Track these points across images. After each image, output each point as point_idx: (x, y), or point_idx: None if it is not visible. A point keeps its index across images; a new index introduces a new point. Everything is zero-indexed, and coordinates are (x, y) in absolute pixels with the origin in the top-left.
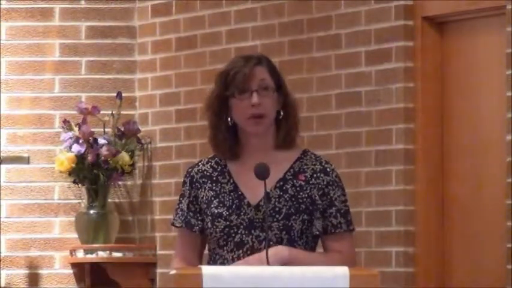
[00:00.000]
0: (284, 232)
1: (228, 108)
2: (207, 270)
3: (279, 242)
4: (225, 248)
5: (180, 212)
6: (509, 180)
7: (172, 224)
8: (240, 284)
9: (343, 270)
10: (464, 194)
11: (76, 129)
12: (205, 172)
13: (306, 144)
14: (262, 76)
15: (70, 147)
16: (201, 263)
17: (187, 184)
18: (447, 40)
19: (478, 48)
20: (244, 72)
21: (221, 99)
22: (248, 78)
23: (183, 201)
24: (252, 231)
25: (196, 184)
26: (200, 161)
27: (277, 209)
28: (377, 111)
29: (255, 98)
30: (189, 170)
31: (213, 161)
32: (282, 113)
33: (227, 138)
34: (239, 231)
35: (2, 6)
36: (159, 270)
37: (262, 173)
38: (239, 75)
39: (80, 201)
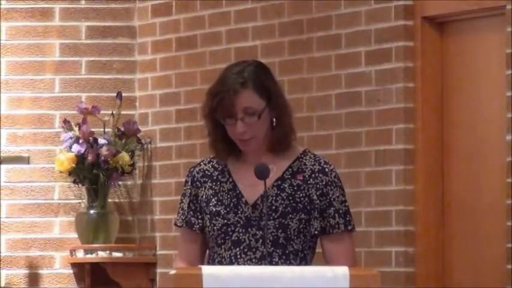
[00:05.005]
0: (280, 230)
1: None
2: (207, 270)
3: (276, 240)
4: (222, 247)
5: (181, 212)
6: (509, 180)
7: (175, 224)
8: (240, 284)
9: (343, 270)
10: (464, 194)
11: (76, 129)
12: (206, 171)
13: (306, 144)
14: (246, 103)
15: (70, 147)
16: (203, 262)
17: (189, 183)
18: (447, 40)
19: (478, 48)
20: (228, 101)
21: (213, 116)
22: (232, 107)
23: (184, 201)
24: (249, 230)
25: (197, 183)
26: (202, 161)
27: (274, 207)
28: (377, 111)
29: (239, 128)
30: (191, 169)
31: (214, 161)
32: (274, 120)
33: (225, 145)
34: (236, 230)
35: (2, 6)
36: (159, 270)
37: (262, 172)
38: (223, 103)
39: (80, 201)
